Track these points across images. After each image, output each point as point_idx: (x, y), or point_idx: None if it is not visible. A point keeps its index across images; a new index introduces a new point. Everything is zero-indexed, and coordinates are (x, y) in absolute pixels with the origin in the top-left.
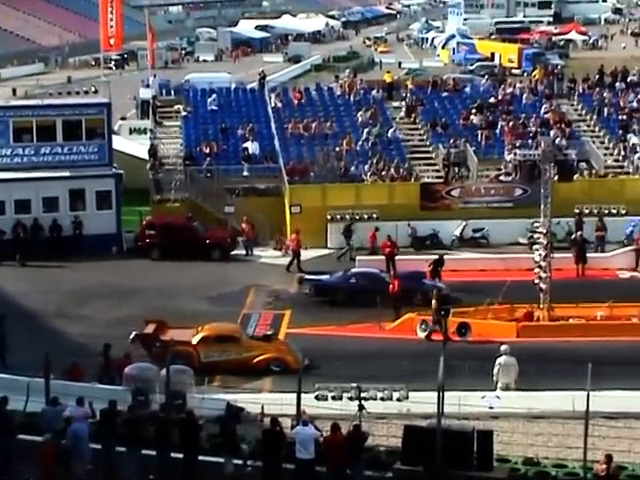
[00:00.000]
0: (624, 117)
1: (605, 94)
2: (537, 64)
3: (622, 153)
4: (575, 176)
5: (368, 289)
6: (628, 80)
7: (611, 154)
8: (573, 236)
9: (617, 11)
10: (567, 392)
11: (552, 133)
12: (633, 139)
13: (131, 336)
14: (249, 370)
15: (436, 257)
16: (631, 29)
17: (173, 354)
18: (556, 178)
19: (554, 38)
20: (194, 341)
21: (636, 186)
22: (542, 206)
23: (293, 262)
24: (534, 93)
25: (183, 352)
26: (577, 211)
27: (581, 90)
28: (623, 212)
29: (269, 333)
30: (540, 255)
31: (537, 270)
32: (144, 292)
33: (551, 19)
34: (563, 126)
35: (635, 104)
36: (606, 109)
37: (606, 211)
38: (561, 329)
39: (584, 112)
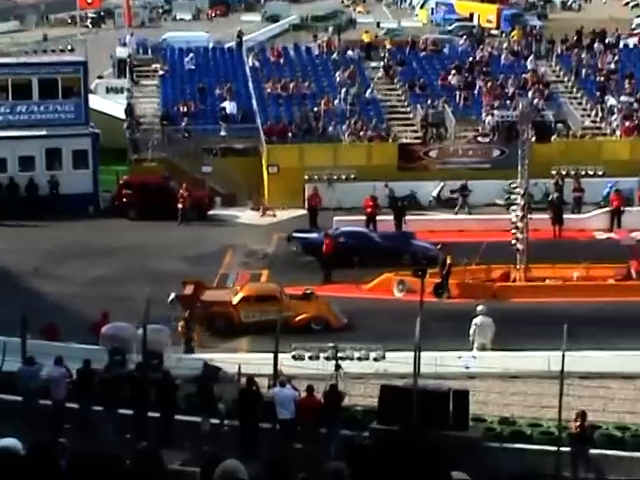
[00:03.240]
0: (602, 79)
1: (583, 55)
2: (516, 25)
3: (599, 114)
4: (552, 137)
5: (356, 248)
6: (606, 41)
7: (588, 115)
8: (550, 197)
9: None
10: (543, 352)
11: (530, 94)
12: (610, 100)
13: (170, 297)
14: (290, 329)
15: None
16: None
17: (214, 314)
18: (534, 139)
19: None
20: (234, 301)
21: (613, 147)
22: (519, 167)
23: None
24: (512, 54)
25: (224, 312)
26: (555, 172)
27: (559, 51)
28: (600, 173)
29: (308, 292)
30: (517, 216)
31: (514, 231)
32: (121, 252)
33: None
34: (541, 87)
35: (613, 65)
36: (584, 70)
37: (583, 172)
38: (537, 290)
39: (562, 73)
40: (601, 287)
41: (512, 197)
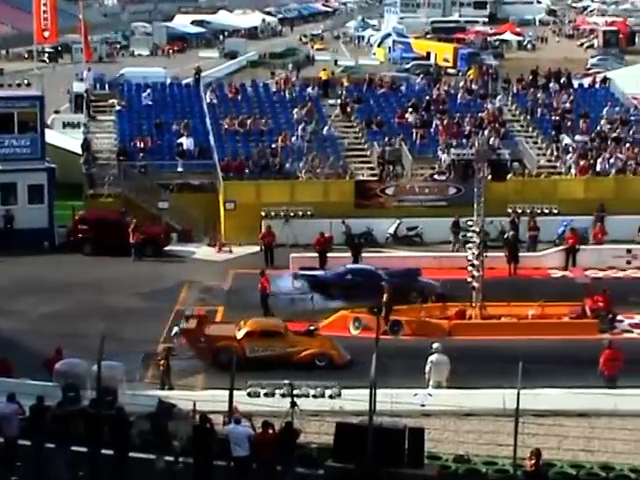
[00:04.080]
0: (557, 117)
1: (539, 95)
2: (472, 64)
3: (555, 153)
4: (508, 176)
5: (364, 285)
6: (561, 81)
7: (544, 154)
8: (506, 235)
9: (551, 12)
10: (498, 390)
11: (486, 133)
12: (565, 139)
13: (174, 331)
14: (293, 365)
15: None
16: (565, 31)
17: (219, 349)
18: (489, 177)
19: (489, 38)
20: (239, 336)
21: (568, 186)
22: (475, 205)
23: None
24: (469, 93)
25: (228, 347)
26: (511, 211)
27: (515, 90)
28: (555, 212)
29: (312, 328)
30: (473, 254)
31: (470, 269)
32: (76, 287)
33: (486, 19)
34: (497, 126)
35: (568, 105)
36: (539, 109)
37: (538, 211)
38: (493, 327)
39: (518, 112)
40: (556, 325)
41: (468, 235)
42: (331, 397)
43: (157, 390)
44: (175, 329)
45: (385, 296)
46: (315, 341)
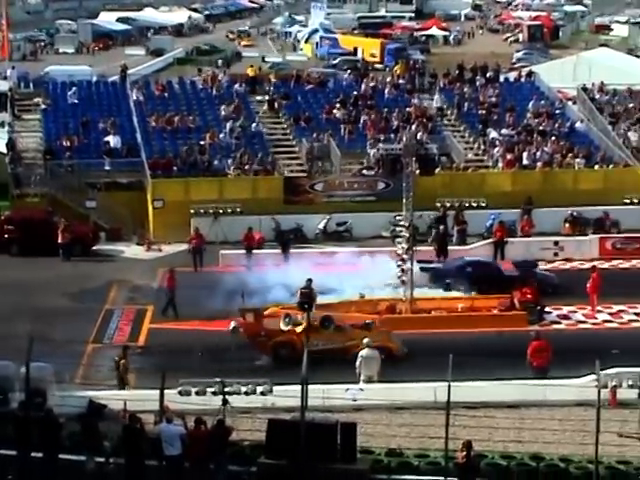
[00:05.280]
0: (483, 112)
1: (465, 89)
2: (399, 59)
3: (482, 147)
4: (436, 170)
5: (483, 277)
6: (487, 75)
7: (471, 148)
8: (434, 229)
9: (477, 7)
10: (429, 383)
11: (414, 127)
12: (492, 133)
13: (231, 325)
14: (352, 358)
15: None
16: (490, 25)
17: (279, 343)
18: (418, 172)
19: (416, 33)
20: (298, 330)
21: (495, 180)
22: (404, 200)
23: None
24: (396, 88)
25: (288, 341)
26: (439, 205)
27: (442, 85)
28: (483, 205)
29: (368, 322)
30: (402, 248)
31: (399, 263)
32: (2, 289)
33: (413, 15)
34: (424, 120)
35: (494, 99)
36: (466, 104)
37: (466, 204)
38: (423, 321)
39: (445, 107)
40: (485, 318)
41: (397, 229)
42: (263, 394)
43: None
44: (232, 324)
45: (299, 294)
46: (373, 334)
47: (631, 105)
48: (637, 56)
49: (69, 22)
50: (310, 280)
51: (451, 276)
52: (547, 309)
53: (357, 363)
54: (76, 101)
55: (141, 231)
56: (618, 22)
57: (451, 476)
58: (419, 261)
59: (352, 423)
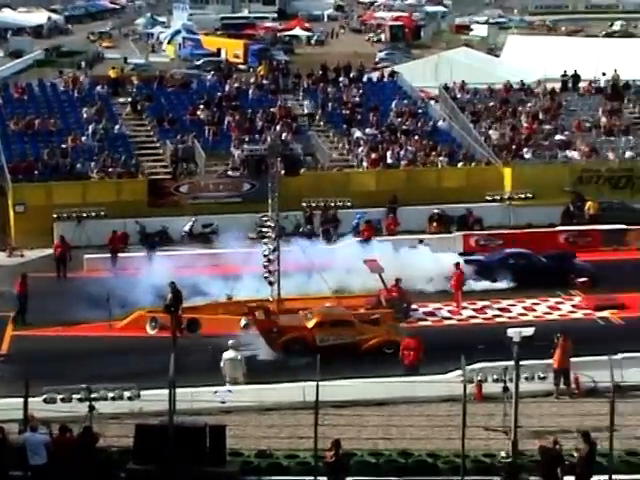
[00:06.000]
0: (347, 111)
1: (329, 89)
2: (262, 59)
3: (346, 147)
4: (301, 170)
5: (525, 268)
6: (351, 75)
7: (336, 148)
8: (301, 229)
9: (339, 8)
10: (298, 383)
11: (278, 128)
12: (356, 133)
13: (243, 322)
14: (362, 353)
15: None
16: (353, 26)
17: (290, 339)
18: (283, 172)
19: (279, 34)
20: (309, 325)
21: (360, 179)
22: (270, 200)
23: None
24: (260, 88)
25: (300, 337)
26: (305, 205)
27: (306, 85)
28: (349, 205)
29: (376, 317)
30: (269, 249)
31: (266, 264)
32: None
33: (276, 15)
34: (289, 121)
35: (358, 99)
36: (330, 104)
37: (332, 204)
38: None
39: (313, 112)
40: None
41: (264, 230)
42: (130, 399)
43: None
44: (243, 321)
45: (169, 297)
46: (381, 329)
47: (492, 104)
48: (496, 55)
49: None
50: (173, 283)
51: (494, 268)
52: (413, 306)
53: (221, 365)
54: None
55: (2, 236)
56: (477, 22)
57: (321, 476)
58: (462, 254)
59: (221, 425)
